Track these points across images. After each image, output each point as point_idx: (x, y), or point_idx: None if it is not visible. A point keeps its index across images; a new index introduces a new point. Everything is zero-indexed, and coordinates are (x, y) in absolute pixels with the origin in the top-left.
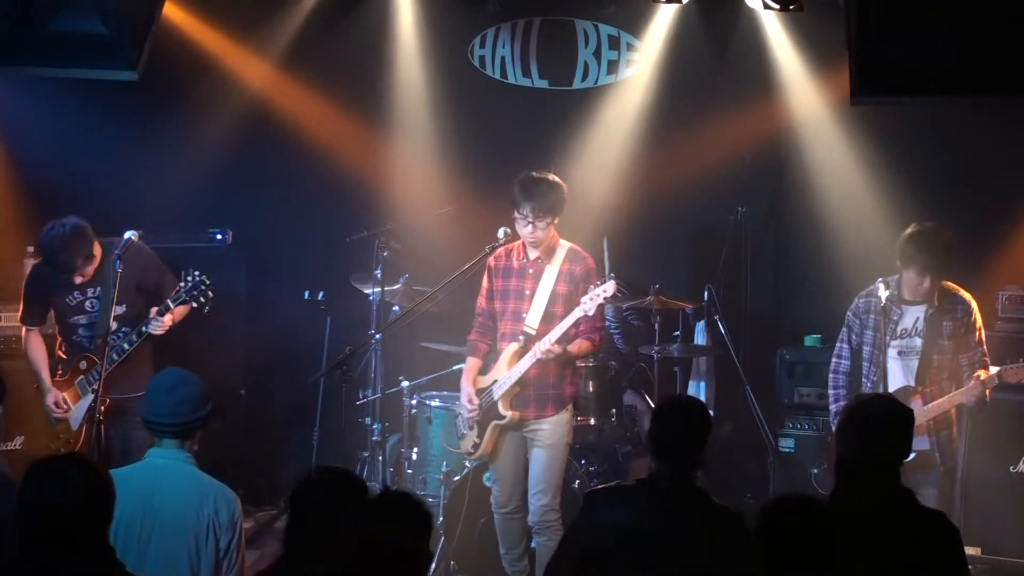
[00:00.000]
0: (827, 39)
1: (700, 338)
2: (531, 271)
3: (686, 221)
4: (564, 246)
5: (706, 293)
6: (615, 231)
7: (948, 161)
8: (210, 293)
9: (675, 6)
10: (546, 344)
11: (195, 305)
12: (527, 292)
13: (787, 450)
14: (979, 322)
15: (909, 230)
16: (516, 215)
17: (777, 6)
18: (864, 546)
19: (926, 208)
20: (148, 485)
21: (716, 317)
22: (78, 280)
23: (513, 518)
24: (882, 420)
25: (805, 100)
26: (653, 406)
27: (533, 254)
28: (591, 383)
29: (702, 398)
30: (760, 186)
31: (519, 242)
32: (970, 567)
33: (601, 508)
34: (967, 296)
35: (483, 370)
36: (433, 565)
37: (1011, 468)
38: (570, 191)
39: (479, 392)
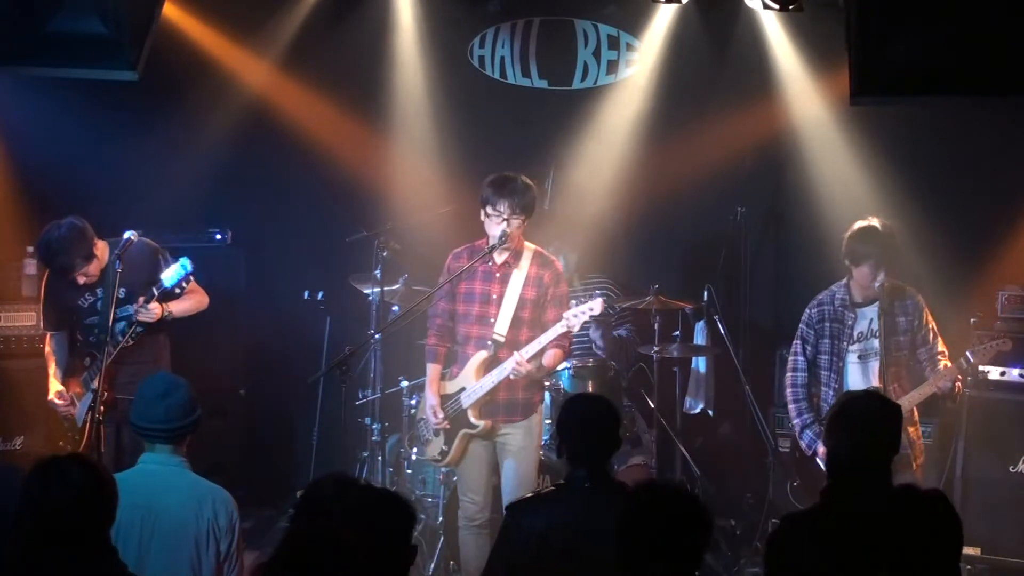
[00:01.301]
0: (827, 39)
1: (700, 338)
2: (498, 275)
3: (686, 221)
4: (530, 249)
5: (706, 293)
6: (615, 231)
7: (948, 161)
8: (191, 279)
9: (675, 6)
10: (520, 359)
11: (177, 291)
12: (494, 296)
13: (786, 450)
14: (929, 315)
15: (854, 227)
16: (489, 212)
17: (777, 6)
18: (858, 544)
19: (926, 208)
20: (146, 490)
21: (716, 317)
22: (81, 281)
23: (481, 533)
24: (871, 416)
25: (805, 100)
26: (559, 411)
27: (500, 257)
28: (590, 383)
29: (702, 396)
30: (760, 186)
31: (481, 242)
32: (969, 567)
33: (525, 518)
34: (914, 291)
35: (446, 373)
36: (433, 564)
37: (1011, 468)
38: (570, 191)
39: (445, 399)
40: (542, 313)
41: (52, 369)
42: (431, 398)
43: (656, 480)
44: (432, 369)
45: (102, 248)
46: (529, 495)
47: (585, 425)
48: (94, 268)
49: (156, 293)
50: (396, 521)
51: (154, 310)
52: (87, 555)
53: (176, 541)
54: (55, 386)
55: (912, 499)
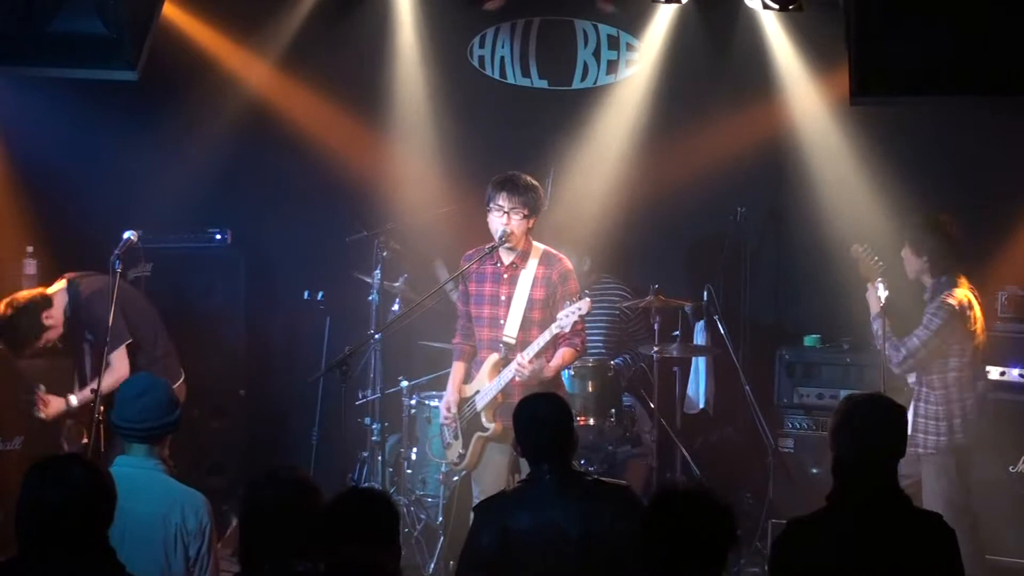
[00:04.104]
0: (827, 39)
1: (700, 338)
2: (506, 276)
3: (686, 221)
4: (539, 249)
5: (705, 293)
6: (615, 231)
7: (948, 161)
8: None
9: (675, 6)
10: (523, 360)
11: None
12: (503, 298)
13: (787, 450)
14: (930, 310)
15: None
16: (491, 206)
17: (777, 6)
18: (861, 545)
19: (926, 208)
20: None
21: (716, 317)
22: (53, 341)
23: None
24: (875, 418)
25: (805, 100)
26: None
27: (508, 258)
28: (591, 383)
29: (701, 398)
30: (760, 186)
31: (490, 246)
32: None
33: (492, 515)
34: (948, 291)
35: (467, 376)
36: (433, 564)
37: (1011, 468)
38: (569, 191)
39: (463, 402)
40: (553, 312)
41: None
42: (448, 394)
43: (680, 482)
44: (455, 367)
45: (57, 304)
46: (494, 495)
47: (538, 424)
48: (52, 334)
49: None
50: (385, 520)
51: (54, 410)
52: (86, 556)
53: (144, 545)
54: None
55: (910, 511)
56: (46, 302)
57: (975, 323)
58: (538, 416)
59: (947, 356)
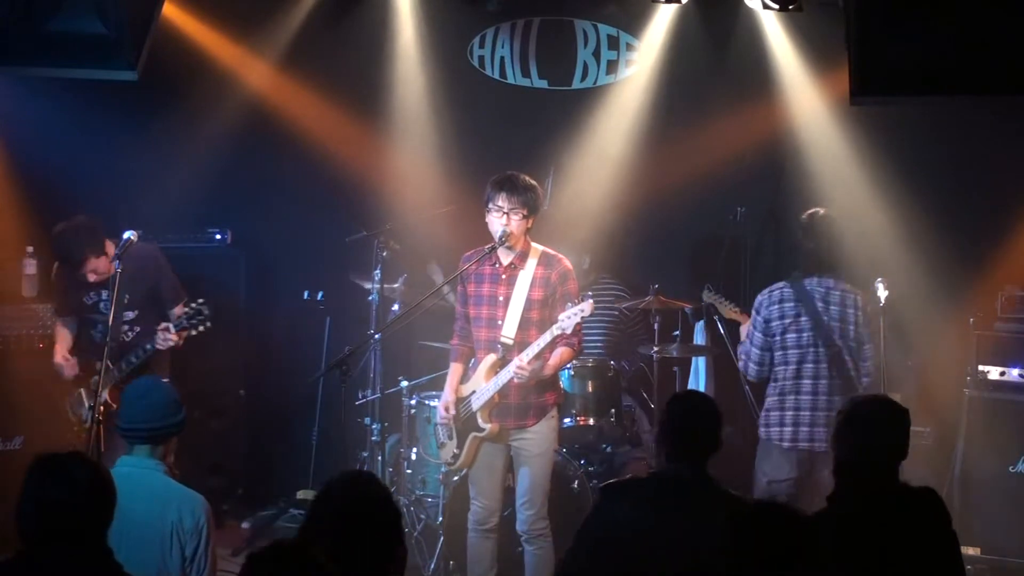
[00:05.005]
0: (827, 39)
1: (700, 338)
2: (504, 276)
3: (686, 221)
4: (537, 249)
5: (705, 293)
6: (614, 231)
7: (948, 161)
8: (208, 324)
9: (674, 6)
10: (521, 362)
11: (193, 333)
12: (501, 298)
13: None
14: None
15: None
16: (490, 207)
17: (776, 6)
18: (862, 547)
19: (925, 208)
20: None
21: (715, 317)
22: (91, 278)
23: (490, 537)
24: (877, 420)
25: (805, 100)
26: (663, 406)
27: (506, 259)
28: (590, 383)
29: None
30: (760, 186)
31: (490, 246)
32: (970, 567)
33: (617, 501)
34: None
35: (464, 377)
36: (432, 564)
37: (1011, 468)
38: (569, 191)
39: (459, 401)
40: (552, 312)
41: (59, 336)
42: (446, 395)
43: (775, 502)
44: (453, 368)
45: (112, 249)
46: (626, 479)
47: (684, 422)
48: (104, 266)
49: (174, 329)
50: (384, 527)
51: (173, 339)
52: (86, 555)
53: (141, 547)
54: (62, 350)
55: (905, 495)
56: (105, 239)
57: (780, 322)
58: (686, 415)
59: (775, 351)
